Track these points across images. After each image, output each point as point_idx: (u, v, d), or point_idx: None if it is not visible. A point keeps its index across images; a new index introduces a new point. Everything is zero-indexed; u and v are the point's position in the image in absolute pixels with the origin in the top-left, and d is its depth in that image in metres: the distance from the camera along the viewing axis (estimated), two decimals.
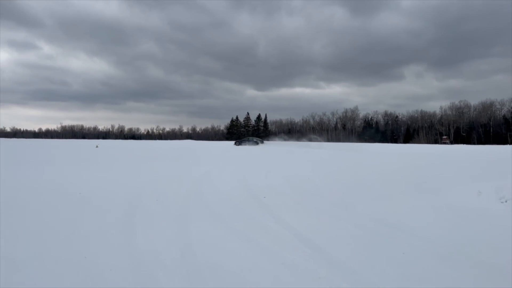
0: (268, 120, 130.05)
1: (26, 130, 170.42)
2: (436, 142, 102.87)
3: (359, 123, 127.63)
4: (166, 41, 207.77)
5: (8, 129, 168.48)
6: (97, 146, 39.73)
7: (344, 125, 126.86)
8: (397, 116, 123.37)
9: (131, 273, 3.81)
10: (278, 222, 5.97)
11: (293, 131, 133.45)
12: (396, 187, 10.03)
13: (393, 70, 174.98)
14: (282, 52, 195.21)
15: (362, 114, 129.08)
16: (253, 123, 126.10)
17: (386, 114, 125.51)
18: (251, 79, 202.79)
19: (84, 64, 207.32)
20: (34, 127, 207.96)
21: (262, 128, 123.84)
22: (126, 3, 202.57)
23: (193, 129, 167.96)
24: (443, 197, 8.54)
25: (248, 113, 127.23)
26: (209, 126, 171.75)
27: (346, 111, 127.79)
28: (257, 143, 58.29)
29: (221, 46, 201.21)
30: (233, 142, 62.67)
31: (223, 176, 12.41)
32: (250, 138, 64.31)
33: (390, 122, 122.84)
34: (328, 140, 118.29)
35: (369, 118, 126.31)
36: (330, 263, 4.14)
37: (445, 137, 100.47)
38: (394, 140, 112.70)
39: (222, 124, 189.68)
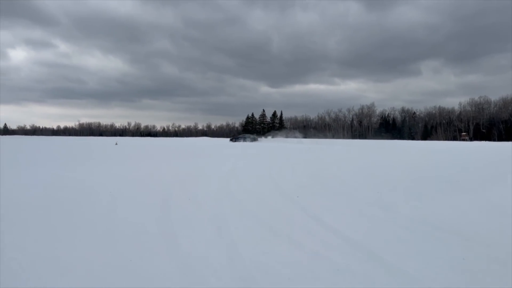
0: (284, 117, 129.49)
1: (45, 128, 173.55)
2: (454, 138, 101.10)
3: (375, 119, 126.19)
4: (180, 38, 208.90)
5: (28, 127, 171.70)
6: (116, 144, 40.04)
7: (361, 122, 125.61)
8: (414, 113, 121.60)
9: (181, 277, 3.64)
10: (320, 224, 5.74)
11: (308, 128, 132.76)
12: (431, 185, 9.70)
13: (409, 66, 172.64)
14: (296, 48, 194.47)
15: (378, 110, 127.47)
16: (269, 120, 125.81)
17: (403, 111, 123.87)
18: (265, 76, 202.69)
19: (100, 62, 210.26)
20: (52, 124, 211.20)
21: (278, 125, 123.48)
22: (140, 0, 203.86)
23: (208, 126, 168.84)
24: (483, 196, 8.21)
25: (263, 110, 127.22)
26: (224, 123, 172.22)
27: (362, 108, 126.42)
28: (252, 140, 63.29)
29: (235, 42, 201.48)
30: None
31: (248, 173, 12.23)
32: (246, 135, 66.54)
33: (407, 118, 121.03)
34: (344, 137, 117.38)
35: (386, 115, 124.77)
36: (388, 269, 3.90)
37: (464, 133, 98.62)
38: (412, 137, 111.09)
39: (237, 121, 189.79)
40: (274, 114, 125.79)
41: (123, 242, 4.73)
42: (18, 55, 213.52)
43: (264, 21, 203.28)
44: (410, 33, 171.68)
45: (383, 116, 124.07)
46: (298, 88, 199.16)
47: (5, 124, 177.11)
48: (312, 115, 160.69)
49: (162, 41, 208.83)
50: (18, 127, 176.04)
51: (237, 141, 60.79)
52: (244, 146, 36.58)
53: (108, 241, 4.75)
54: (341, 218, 6.14)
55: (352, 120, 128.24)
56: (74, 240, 4.80)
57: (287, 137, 79.67)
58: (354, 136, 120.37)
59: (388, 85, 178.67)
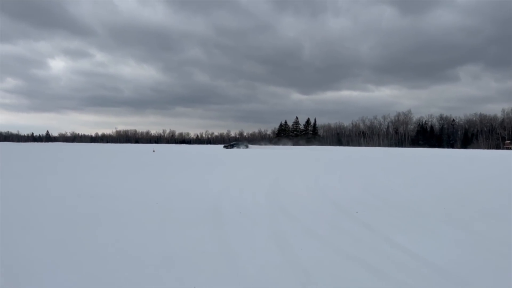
0: (317, 124, 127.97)
1: (84, 135, 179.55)
2: (497, 147, 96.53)
3: (412, 127, 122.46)
4: (211, 46, 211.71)
5: (68, 134, 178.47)
6: (153, 151, 40.46)
7: (397, 129, 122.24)
8: (453, 120, 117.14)
9: None
10: (393, 246, 5.11)
11: (342, 135, 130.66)
12: (505, 201, 8.81)
13: (446, 71, 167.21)
14: (328, 55, 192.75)
15: (415, 117, 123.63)
16: (302, 128, 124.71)
17: (441, 118, 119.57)
18: (296, 83, 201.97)
19: (134, 71, 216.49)
20: (91, 132, 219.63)
21: (311, 132, 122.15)
22: (172, 9, 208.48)
23: (241, 134, 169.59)
24: None
25: (297, 118, 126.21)
26: (256, 130, 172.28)
27: (398, 115, 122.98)
28: (245, 147, 66.98)
29: (266, 50, 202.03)
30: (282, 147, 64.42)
31: (295, 184, 11.67)
32: (240, 142, 72.76)
33: (446, 126, 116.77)
34: (379, 145, 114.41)
35: (423, 122, 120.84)
36: None
37: (508, 141, 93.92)
38: (451, 145, 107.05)
39: (269, 128, 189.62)
40: (308, 121, 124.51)
41: (181, 264, 4.29)
42: (58, 65, 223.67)
43: (295, 27, 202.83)
44: (447, 37, 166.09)
45: (420, 124, 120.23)
46: (330, 95, 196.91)
47: (47, 131, 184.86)
48: (346, 122, 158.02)
49: (194, 49, 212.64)
50: (59, 134, 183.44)
51: (232, 147, 63.91)
52: (275, 155, 36.02)
53: (165, 264, 4.32)
54: (415, 239, 5.48)
55: (388, 127, 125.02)
56: (123, 263, 4.41)
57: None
58: (390, 144, 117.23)
59: (424, 92, 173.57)
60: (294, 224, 6.32)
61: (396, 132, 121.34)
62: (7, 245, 4.92)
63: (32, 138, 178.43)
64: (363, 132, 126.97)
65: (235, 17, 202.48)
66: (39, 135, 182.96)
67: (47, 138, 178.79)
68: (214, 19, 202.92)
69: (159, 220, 6.50)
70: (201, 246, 4.99)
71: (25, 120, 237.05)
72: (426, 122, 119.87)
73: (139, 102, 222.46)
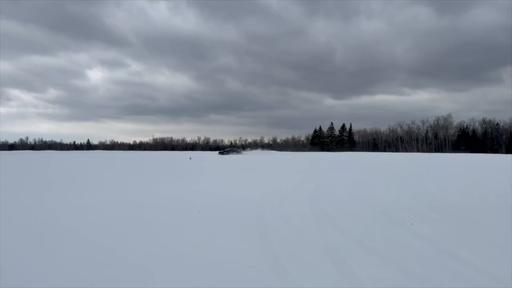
0: (352, 129, 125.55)
1: (123, 143, 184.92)
2: None
3: (453, 131, 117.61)
4: (243, 53, 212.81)
5: (108, 142, 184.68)
6: (190, 158, 40.86)
7: (436, 134, 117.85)
8: (497, 123, 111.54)
9: None
10: (461, 263, 4.58)
11: (378, 141, 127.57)
12: None
13: (488, 73, 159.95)
14: (361, 58, 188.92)
15: (456, 122, 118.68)
16: (337, 133, 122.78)
17: (484, 122, 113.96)
18: (329, 88, 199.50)
19: (168, 80, 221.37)
20: (129, 139, 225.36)
21: (347, 138, 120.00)
22: (203, 17, 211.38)
23: (274, 140, 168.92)
24: None
25: (332, 123, 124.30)
26: (290, 136, 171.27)
27: (438, 119, 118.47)
28: (238, 153, 71.46)
29: (297, 55, 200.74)
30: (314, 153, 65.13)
31: (337, 191, 11.16)
32: (234, 148, 79.16)
33: (489, 130, 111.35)
34: (418, 151, 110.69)
35: (465, 126, 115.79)
36: None
37: None
38: (495, 150, 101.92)
39: (302, 134, 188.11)
40: (343, 127, 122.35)
41: (230, 281, 3.98)
42: (96, 75, 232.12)
43: (327, 31, 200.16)
44: (488, 37, 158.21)
45: (462, 128, 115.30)
46: (364, 100, 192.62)
47: (88, 139, 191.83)
48: (382, 128, 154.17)
49: (226, 57, 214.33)
50: (99, 142, 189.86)
51: (228, 154, 66.99)
52: (311, 161, 35.36)
53: (215, 279, 4.03)
54: (483, 254, 4.93)
55: (427, 132, 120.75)
56: (169, 274, 4.15)
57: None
58: (429, 150, 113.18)
59: (464, 94, 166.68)
60: (345, 237, 5.89)
61: (436, 137, 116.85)
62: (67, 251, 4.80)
63: (74, 147, 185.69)
64: (400, 137, 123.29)
65: (266, 23, 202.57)
66: (81, 143, 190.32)
67: (88, 146, 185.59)
68: (245, 26, 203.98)
69: (202, 230, 6.25)
70: (249, 259, 4.66)
71: (67, 129, 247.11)
72: (468, 126, 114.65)
73: (174, 110, 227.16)
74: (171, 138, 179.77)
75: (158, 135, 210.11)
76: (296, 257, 4.79)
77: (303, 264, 4.51)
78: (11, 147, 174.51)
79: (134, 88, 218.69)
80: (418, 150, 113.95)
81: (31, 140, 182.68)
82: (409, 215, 7.61)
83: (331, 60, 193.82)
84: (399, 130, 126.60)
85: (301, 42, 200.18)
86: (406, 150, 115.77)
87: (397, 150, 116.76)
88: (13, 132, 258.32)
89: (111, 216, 7.54)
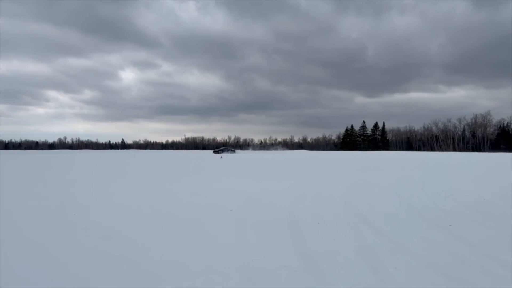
0: (385, 128, 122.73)
1: (156, 142, 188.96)
2: None
3: (492, 130, 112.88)
4: (271, 52, 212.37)
5: (141, 142, 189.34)
6: (221, 157, 41.22)
7: (474, 133, 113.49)
8: None
9: None
10: (502, 265, 4.36)
11: (412, 140, 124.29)
12: None
13: None
14: (394, 55, 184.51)
15: (495, 119, 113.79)
16: (369, 132, 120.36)
17: None
18: (360, 86, 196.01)
19: (198, 80, 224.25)
20: (161, 139, 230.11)
21: (379, 137, 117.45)
22: (231, 17, 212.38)
23: (304, 139, 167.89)
24: None
25: (364, 122, 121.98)
26: (320, 135, 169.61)
27: (475, 117, 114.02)
28: (232, 152, 72.04)
29: (327, 53, 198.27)
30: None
31: (371, 191, 10.92)
32: (228, 148, 79.53)
33: None
34: (454, 150, 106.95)
35: (505, 124, 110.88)
36: None
37: None
38: None
39: (333, 133, 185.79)
40: (376, 125, 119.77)
41: (263, 280, 3.95)
42: (128, 76, 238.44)
43: (357, 28, 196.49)
44: None
45: (501, 126, 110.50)
46: (397, 97, 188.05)
47: (122, 139, 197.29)
48: (417, 126, 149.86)
49: (254, 56, 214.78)
50: (133, 142, 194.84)
51: (223, 153, 68.09)
52: (343, 160, 34.80)
53: (248, 277, 4.01)
54: None
55: (464, 130, 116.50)
56: (204, 271, 4.16)
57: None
58: (466, 149, 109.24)
59: (504, 91, 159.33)
60: (380, 238, 5.74)
61: (474, 135, 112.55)
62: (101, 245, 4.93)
63: (109, 146, 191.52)
64: (436, 136, 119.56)
65: (295, 21, 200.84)
66: (115, 142, 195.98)
67: (122, 145, 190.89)
68: (274, 24, 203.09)
69: (235, 229, 6.26)
70: (282, 259, 4.62)
71: (102, 129, 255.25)
72: (509, 124, 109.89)
73: (204, 110, 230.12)
74: (202, 138, 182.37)
75: (189, 135, 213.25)
76: (331, 257, 4.70)
77: (338, 265, 4.42)
78: (51, 146, 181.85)
79: (165, 88, 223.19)
80: (454, 149, 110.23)
81: (69, 140, 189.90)
82: (448, 216, 7.34)
83: (362, 57, 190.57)
84: (434, 128, 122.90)
85: (331, 39, 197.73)
86: (441, 149, 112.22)
87: (432, 150, 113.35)
88: (52, 132, 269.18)
89: (148, 213, 7.68)
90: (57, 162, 31.71)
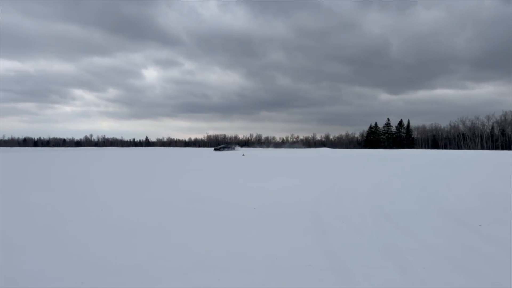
0: (410, 126, 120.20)
1: (179, 140, 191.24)
2: None
3: None
4: (293, 49, 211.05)
5: (165, 139, 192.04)
6: (243, 155, 41.33)
7: (503, 131, 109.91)
8: None
9: None
10: None
11: (438, 137, 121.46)
12: None
13: None
14: (419, 51, 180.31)
15: None
16: (394, 130, 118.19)
17: None
18: (384, 82, 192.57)
19: (219, 77, 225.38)
20: (184, 136, 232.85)
21: (404, 135, 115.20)
22: (252, 14, 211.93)
23: (327, 137, 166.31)
24: None
25: (388, 119, 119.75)
26: (343, 133, 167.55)
27: (505, 114, 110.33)
28: (232, 149, 73.53)
29: (350, 49, 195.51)
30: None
31: (397, 189, 10.71)
32: (229, 145, 79.50)
33: None
34: (483, 148, 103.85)
35: None
36: None
37: None
38: None
39: (356, 131, 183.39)
40: (400, 123, 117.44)
41: (288, 277, 3.93)
42: (151, 75, 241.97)
43: (381, 23, 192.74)
44: None
45: None
46: (422, 94, 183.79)
47: (146, 136, 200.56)
48: (443, 124, 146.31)
49: (276, 53, 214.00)
50: (157, 139, 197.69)
51: (223, 150, 68.28)
52: (368, 158, 34.31)
53: (273, 274, 4.00)
54: None
55: (493, 128, 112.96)
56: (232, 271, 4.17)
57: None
58: (495, 147, 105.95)
59: None
60: (407, 237, 5.63)
61: (503, 133, 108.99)
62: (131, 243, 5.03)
63: (133, 143, 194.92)
64: (463, 134, 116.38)
65: (317, 17, 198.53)
66: (140, 140, 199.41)
67: (146, 143, 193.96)
68: (295, 21, 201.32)
69: (259, 226, 6.26)
70: (307, 257, 4.59)
71: (126, 127, 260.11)
72: None
73: (226, 108, 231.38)
74: (224, 135, 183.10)
75: (211, 132, 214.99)
76: (356, 256, 4.64)
77: (364, 264, 4.36)
78: (77, 144, 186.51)
79: (187, 86, 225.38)
80: (482, 148, 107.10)
81: (94, 138, 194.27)
82: (477, 216, 7.13)
83: (386, 53, 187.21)
84: (461, 126, 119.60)
85: (354, 35, 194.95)
86: (469, 147, 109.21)
87: (459, 148, 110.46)
88: (78, 129, 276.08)
89: (175, 210, 7.77)
90: (85, 159, 32.48)
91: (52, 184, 12.52)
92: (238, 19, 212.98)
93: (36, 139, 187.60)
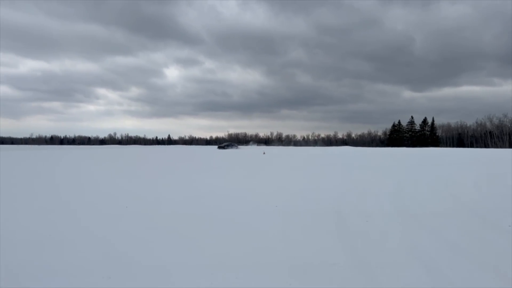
0: (435, 124, 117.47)
1: (200, 138, 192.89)
2: None
3: None
4: (313, 46, 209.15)
5: (186, 137, 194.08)
6: (264, 153, 41.34)
7: None
8: None
9: None
10: None
11: (464, 136, 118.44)
12: None
13: None
14: (443, 47, 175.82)
15: None
16: (418, 128, 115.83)
17: None
18: (407, 79, 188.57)
19: (240, 76, 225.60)
20: (205, 135, 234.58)
21: (428, 133, 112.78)
22: (272, 12, 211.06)
23: (348, 135, 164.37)
24: None
25: (412, 117, 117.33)
26: (365, 131, 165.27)
27: None
28: (236, 147, 76.02)
29: (372, 46, 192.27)
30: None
31: (420, 188, 10.50)
32: (232, 143, 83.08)
33: None
34: (511, 147, 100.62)
35: None
36: None
37: None
38: None
39: (379, 129, 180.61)
40: (425, 121, 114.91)
41: (313, 275, 3.92)
42: (172, 73, 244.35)
43: (404, 20, 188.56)
44: None
45: None
46: (447, 91, 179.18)
47: (169, 135, 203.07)
48: (469, 122, 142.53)
49: (296, 51, 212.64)
50: (179, 138, 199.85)
51: (226, 148, 70.00)
52: (391, 157, 33.75)
53: (297, 273, 3.99)
54: None
55: None
56: (253, 270, 4.18)
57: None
58: None
59: None
60: (433, 237, 5.52)
61: None
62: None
63: (156, 142, 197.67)
64: (490, 132, 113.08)
65: (338, 14, 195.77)
66: (162, 138, 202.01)
67: (169, 141, 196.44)
68: (316, 18, 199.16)
69: (281, 225, 6.26)
70: (331, 256, 4.56)
71: (149, 125, 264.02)
72: None
73: (246, 106, 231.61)
74: (245, 134, 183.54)
75: (232, 131, 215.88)
76: (381, 256, 4.59)
77: (389, 264, 4.31)
78: (102, 142, 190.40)
79: (208, 85, 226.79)
80: (511, 146, 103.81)
81: (118, 136, 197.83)
82: (506, 216, 6.93)
83: (409, 49, 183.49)
84: (488, 124, 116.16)
85: (376, 32, 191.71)
86: (496, 146, 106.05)
87: (485, 146, 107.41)
88: (102, 128, 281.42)
89: (197, 208, 7.85)
90: (110, 156, 33.15)
91: (81, 182, 12.82)
92: (258, 17, 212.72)
93: (62, 137, 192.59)
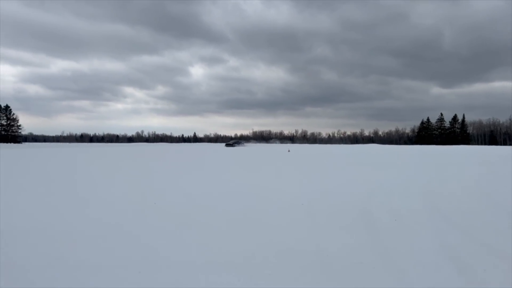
0: (465, 121, 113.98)
1: (225, 136, 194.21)
2: None
3: None
4: (338, 43, 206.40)
5: (212, 135, 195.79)
6: (288, 151, 41.23)
7: None
8: None
9: None
10: None
11: (496, 133, 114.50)
12: None
13: None
14: (474, 41, 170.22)
15: None
16: (447, 125, 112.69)
17: None
18: (436, 75, 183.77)
19: (264, 73, 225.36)
20: (230, 132, 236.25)
21: (459, 130, 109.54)
22: (296, 8, 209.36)
23: (375, 133, 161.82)
24: None
25: (441, 114, 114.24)
26: (393, 129, 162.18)
27: None
28: (243, 145, 77.31)
29: (399, 41, 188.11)
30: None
31: (450, 185, 10.22)
32: (240, 141, 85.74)
33: None
34: None
35: None
36: None
37: None
38: None
39: (407, 126, 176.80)
40: (455, 118, 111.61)
41: (340, 273, 3.88)
42: (197, 72, 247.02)
43: (433, 14, 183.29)
44: None
45: None
46: (478, 87, 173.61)
47: (194, 133, 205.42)
48: (502, 118, 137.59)
49: (321, 47, 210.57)
50: (204, 135, 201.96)
51: (234, 146, 71.36)
52: (420, 155, 32.98)
53: (325, 270, 3.96)
54: None
55: None
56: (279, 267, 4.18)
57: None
58: None
59: None
60: (465, 237, 5.36)
61: None
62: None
63: (182, 139, 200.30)
64: None
65: (363, 9, 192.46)
66: (188, 136, 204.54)
67: (194, 139, 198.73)
68: (340, 14, 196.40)
69: (307, 223, 6.23)
70: (358, 255, 4.50)
71: (175, 123, 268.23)
72: None
73: (270, 104, 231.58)
74: (270, 131, 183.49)
75: (257, 128, 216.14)
76: (410, 255, 4.49)
77: (419, 263, 4.21)
78: (129, 139, 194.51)
79: (232, 83, 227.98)
80: None
81: (145, 134, 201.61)
82: None
83: (438, 45, 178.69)
84: None
85: (403, 27, 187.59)
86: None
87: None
88: (130, 126, 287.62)
89: (226, 205, 7.91)
90: (138, 153, 33.86)
91: (115, 178, 13.15)
92: (282, 14, 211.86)
93: (91, 135, 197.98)
